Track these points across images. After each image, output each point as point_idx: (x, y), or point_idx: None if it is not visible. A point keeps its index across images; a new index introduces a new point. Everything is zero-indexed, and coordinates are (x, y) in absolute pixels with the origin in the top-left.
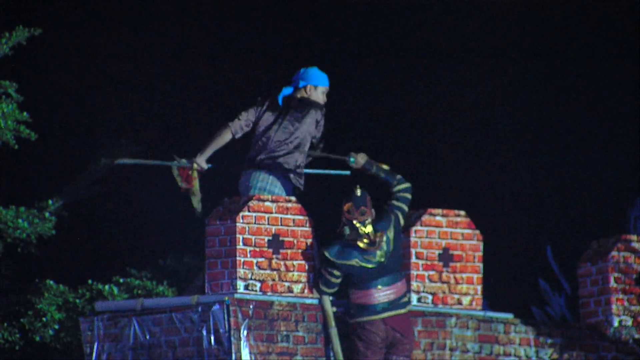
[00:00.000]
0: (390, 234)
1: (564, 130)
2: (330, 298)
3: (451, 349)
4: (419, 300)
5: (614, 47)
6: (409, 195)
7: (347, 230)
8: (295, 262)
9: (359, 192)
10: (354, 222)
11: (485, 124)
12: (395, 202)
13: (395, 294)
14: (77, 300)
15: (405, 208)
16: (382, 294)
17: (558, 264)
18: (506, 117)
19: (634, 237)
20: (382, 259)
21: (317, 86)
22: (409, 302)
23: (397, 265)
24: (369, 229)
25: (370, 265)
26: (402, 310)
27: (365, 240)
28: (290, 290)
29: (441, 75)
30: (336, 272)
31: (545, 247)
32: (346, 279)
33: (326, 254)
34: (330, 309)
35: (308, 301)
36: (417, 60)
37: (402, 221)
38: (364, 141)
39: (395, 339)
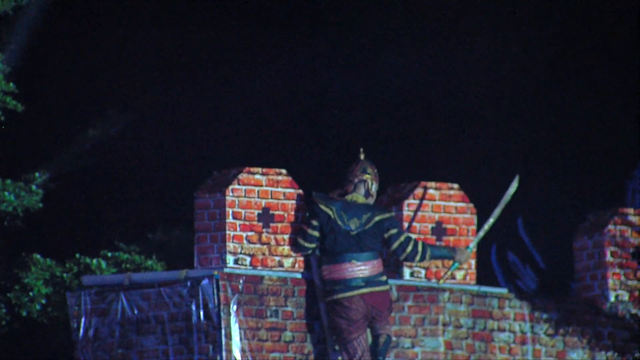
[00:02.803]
0: (378, 218)
1: (558, 99)
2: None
3: (444, 324)
4: (411, 274)
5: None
6: (409, 249)
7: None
8: (285, 236)
9: (362, 156)
10: (355, 179)
11: (477, 98)
12: (400, 234)
13: (369, 271)
14: (65, 275)
15: (400, 238)
16: (356, 269)
17: (530, 237)
18: (498, 88)
19: (630, 211)
20: (354, 230)
21: None
22: (385, 282)
23: (374, 246)
24: (370, 188)
25: (340, 223)
26: (379, 288)
27: (358, 197)
28: (280, 264)
29: (434, 48)
30: (314, 222)
31: (516, 220)
32: (321, 249)
33: (314, 193)
34: (321, 284)
35: (299, 275)
36: (410, 32)
37: (387, 236)
38: (358, 116)
39: (376, 314)
